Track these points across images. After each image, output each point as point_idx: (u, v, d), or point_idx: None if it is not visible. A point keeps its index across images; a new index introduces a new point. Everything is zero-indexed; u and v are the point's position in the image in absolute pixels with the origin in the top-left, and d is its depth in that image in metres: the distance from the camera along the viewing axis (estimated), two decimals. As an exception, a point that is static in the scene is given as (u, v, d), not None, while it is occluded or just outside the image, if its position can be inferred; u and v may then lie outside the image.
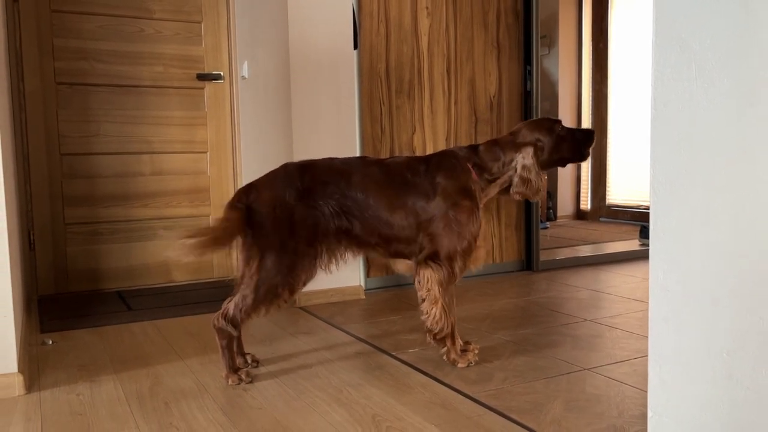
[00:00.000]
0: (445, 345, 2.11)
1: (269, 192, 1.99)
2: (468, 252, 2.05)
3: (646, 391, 1.29)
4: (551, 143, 2.14)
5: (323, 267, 2.06)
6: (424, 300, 2.06)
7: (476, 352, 2.19)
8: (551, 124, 2.16)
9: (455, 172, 2.08)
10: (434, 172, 2.07)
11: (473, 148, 2.16)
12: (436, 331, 2.06)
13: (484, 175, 2.12)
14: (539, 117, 3.54)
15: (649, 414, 1.28)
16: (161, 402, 1.85)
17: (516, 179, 2.10)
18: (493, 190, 2.16)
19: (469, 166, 2.10)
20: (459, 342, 2.17)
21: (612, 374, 1.99)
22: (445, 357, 2.13)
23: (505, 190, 2.17)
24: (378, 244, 2.08)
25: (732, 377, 1.13)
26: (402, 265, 2.19)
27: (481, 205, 2.11)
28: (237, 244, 2.01)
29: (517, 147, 2.12)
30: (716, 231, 1.14)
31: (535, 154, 2.10)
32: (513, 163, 2.11)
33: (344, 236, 2.04)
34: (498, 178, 2.14)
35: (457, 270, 2.05)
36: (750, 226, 1.08)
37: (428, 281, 2.04)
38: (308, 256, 1.98)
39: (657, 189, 1.23)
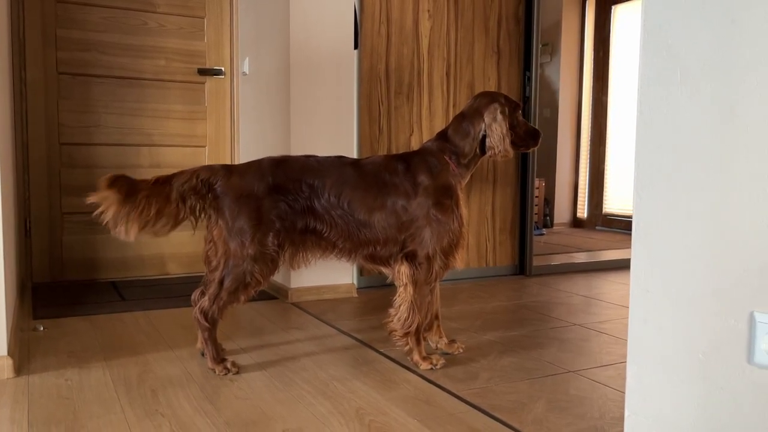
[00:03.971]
0: (407, 344, 2.09)
1: (238, 180, 2.01)
2: (449, 250, 2.06)
3: (625, 391, 1.31)
4: (510, 111, 2.14)
5: (290, 264, 2.08)
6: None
7: (461, 350, 2.22)
8: (510, 99, 2.18)
9: (436, 169, 2.08)
10: (415, 172, 2.06)
11: (443, 136, 2.15)
12: (398, 327, 2.07)
13: (461, 162, 2.12)
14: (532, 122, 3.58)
15: (626, 413, 1.30)
16: (148, 389, 1.87)
17: (491, 136, 2.09)
18: (470, 172, 2.17)
19: (447, 159, 2.10)
20: (443, 339, 2.19)
21: (596, 377, 2.01)
22: (408, 357, 2.11)
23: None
24: (348, 247, 2.07)
25: (707, 378, 1.15)
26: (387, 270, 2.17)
27: (461, 195, 2.11)
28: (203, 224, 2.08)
29: (483, 111, 2.12)
30: (695, 234, 1.16)
31: (502, 111, 2.10)
32: (481, 127, 2.10)
33: (311, 235, 2.05)
34: (473, 158, 2.13)
35: (436, 268, 2.05)
36: (727, 229, 1.11)
37: (403, 278, 2.05)
38: (272, 249, 2.00)
39: (640, 191, 1.25)
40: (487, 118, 2.09)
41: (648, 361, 1.25)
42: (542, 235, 5.52)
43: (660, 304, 1.22)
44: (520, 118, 2.18)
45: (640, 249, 1.26)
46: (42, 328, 2.49)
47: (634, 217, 1.27)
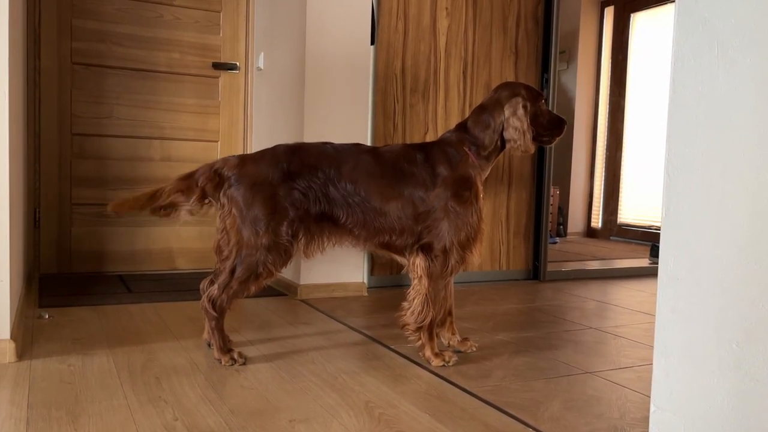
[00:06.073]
0: (419, 339, 2.02)
1: (253, 167, 1.97)
2: (466, 244, 1.99)
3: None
4: (532, 103, 2.06)
5: (304, 253, 2.03)
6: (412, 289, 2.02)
7: (474, 349, 2.16)
8: (532, 89, 2.10)
9: (455, 160, 2.02)
10: (434, 162, 2.01)
11: (462, 127, 2.09)
12: (411, 321, 2.00)
13: (481, 153, 2.05)
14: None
15: (652, 408, 1.23)
16: (152, 377, 1.82)
17: (510, 130, 2.02)
18: (490, 165, 2.10)
19: (466, 150, 2.04)
20: (456, 336, 2.12)
21: (614, 378, 1.94)
22: (420, 353, 2.05)
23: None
24: (363, 235, 2.01)
25: (740, 369, 1.08)
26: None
27: (480, 188, 2.05)
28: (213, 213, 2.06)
29: (503, 103, 2.05)
30: (730, 218, 1.09)
31: (524, 105, 2.03)
32: (502, 119, 2.04)
33: (326, 223, 2.00)
34: (493, 151, 2.06)
35: (452, 262, 1.98)
36: (764, 211, 1.04)
37: (418, 270, 1.99)
38: (286, 239, 1.94)
39: (671, 174, 1.19)
40: (507, 111, 2.03)
41: (676, 353, 1.18)
42: (555, 243, 5.44)
43: (690, 291, 1.16)
44: (543, 107, 2.10)
45: (669, 233, 1.19)
46: (47, 316, 2.45)
47: (663, 200, 1.20)
